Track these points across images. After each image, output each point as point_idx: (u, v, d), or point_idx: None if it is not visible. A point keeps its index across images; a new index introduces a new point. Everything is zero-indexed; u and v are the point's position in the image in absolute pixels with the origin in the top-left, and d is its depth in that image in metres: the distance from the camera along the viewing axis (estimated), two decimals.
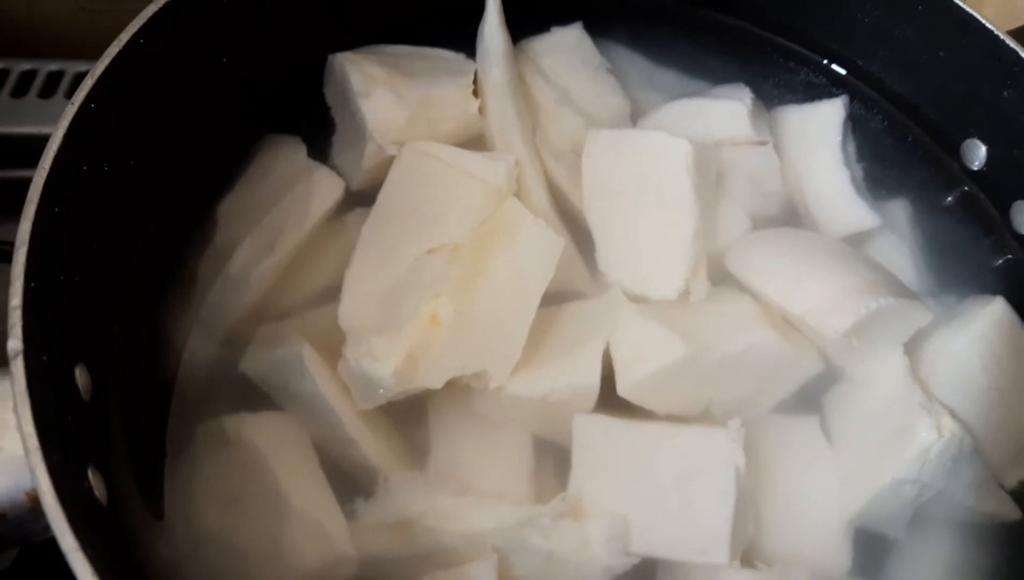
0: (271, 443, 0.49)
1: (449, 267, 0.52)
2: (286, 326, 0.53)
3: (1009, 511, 0.53)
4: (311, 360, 0.50)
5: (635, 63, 0.67)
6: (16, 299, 0.38)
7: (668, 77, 0.67)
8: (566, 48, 0.65)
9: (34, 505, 0.39)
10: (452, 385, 0.50)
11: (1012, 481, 0.54)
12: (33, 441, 0.36)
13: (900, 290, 0.56)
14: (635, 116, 0.64)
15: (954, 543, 0.53)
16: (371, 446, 0.50)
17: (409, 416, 0.52)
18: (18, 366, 0.37)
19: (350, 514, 0.49)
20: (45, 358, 0.39)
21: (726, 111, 0.62)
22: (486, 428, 0.52)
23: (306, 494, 0.48)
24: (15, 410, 0.37)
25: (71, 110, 0.44)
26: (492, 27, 0.61)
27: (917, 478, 0.51)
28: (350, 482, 0.50)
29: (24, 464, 0.37)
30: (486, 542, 0.47)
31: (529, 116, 0.62)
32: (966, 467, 0.52)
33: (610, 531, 0.47)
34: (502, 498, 0.49)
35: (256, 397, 0.51)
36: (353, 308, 0.52)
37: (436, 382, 0.49)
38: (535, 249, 0.53)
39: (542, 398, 0.51)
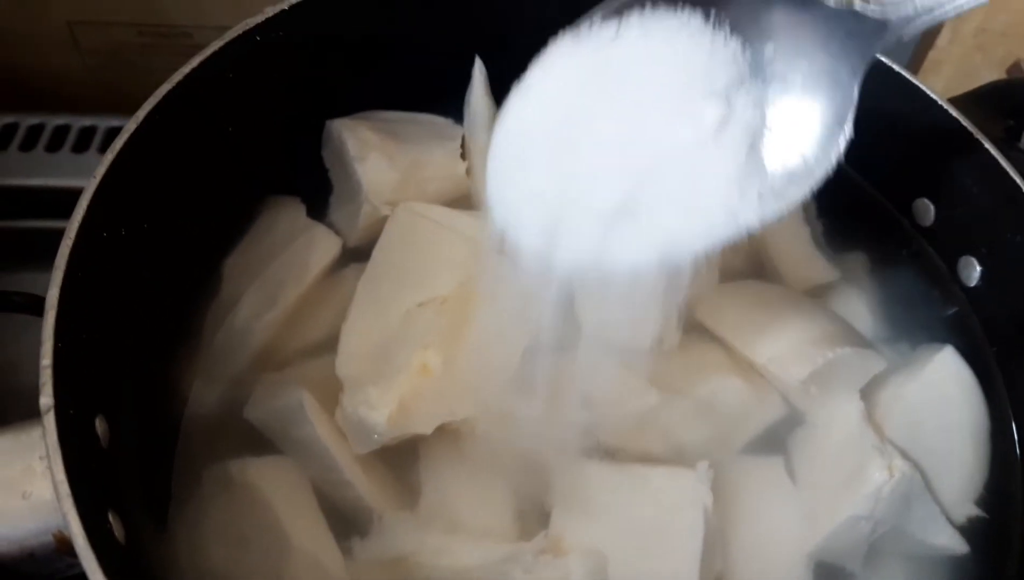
0: (273, 485, 0.53)
1: (438, 319, 0.56)
2: (287, 375, 0.57)
3: (958, 545, 0.56)
4: (311, 408, 0.53)
5: None
6: (47, 359, 0.42)
7: None
8: None
9: (60, 545, 0.42)
10: (441, 430, 0.54)
11: (960, 518, 0.57)
12: (65, 488, 0.39)
13: (857, 340, 0.60)
14: None
15: (907, 576, 0.57)
16: (366, 488, 0.53)
17: (401, 459, 0.55)
18: (50, 420, 0.41)
19: (347, 551, 0.52)
20: (72, 411, 0.43)
21: None
22: (473, 470, 0.55)
23: (305, 533, 0.52)
24: (45, 458, 0.40)
25: (93, 184, 0.48)
26: (478, 95, 0.66)
27: (871, 515, 0.54)
28: (347, 522, 0.53)
29: (51, 507, 0.41)
30: (473, 577, 0.51)
31: None
32: (917, 504, 0.56)
33: (589, 567, 0.51)
34: (488, 536, 0.53)
35: (259, 442, 0.55)
36: (349, 358, 0.55)
37: (427, 428, 0.53)
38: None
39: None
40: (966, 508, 0.58)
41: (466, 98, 0.67)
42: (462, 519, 0.54)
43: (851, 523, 0.54)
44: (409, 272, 0.58)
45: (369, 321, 0.57)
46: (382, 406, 0.52)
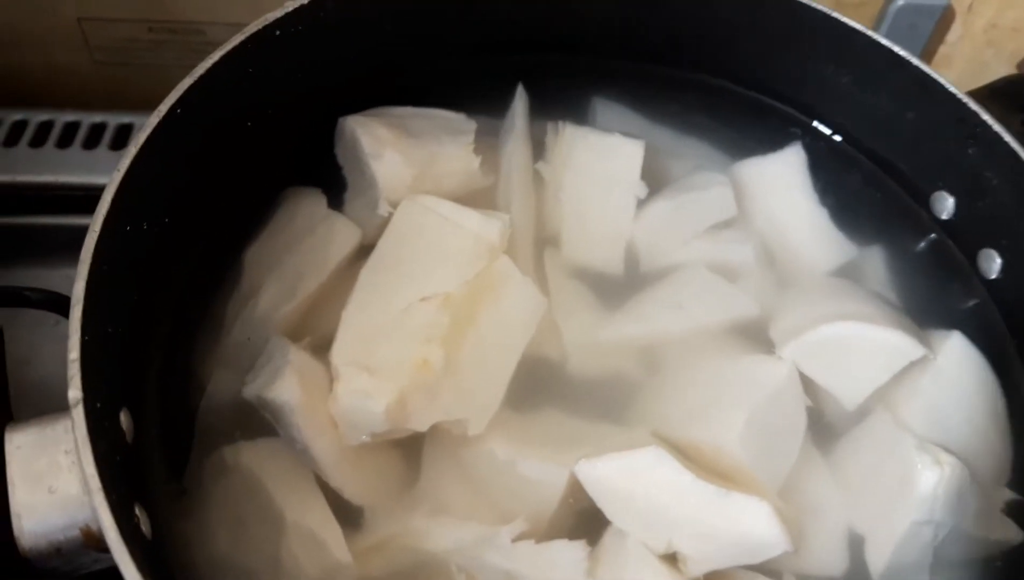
0: (265, 466, 0.52)
1: (440, 315, 0.54)
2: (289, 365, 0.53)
3: (1013, 533, 0.55)
4: (300, 411, 0.51)
5: (630, 121, 0.71)
6: (74, 352, 0.42)
7: (663, 135, 0.71)
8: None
9: (87, 540, 0.42)
10: (437, 427, 0.53)
11: (999, 504, 0.56)
12: (95, 482, 0.39)
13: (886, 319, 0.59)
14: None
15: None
16: (351, 493, 0.52)
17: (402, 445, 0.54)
18: (79, 413, 0.40)
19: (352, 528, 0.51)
20: (98, 405, 0.43)
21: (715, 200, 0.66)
22: (470, 477, 0.54)
23: (300, 509, 0.50)
24: (74, 452, 0.40)
25: (117, 177, 0.48)
26: (518, 114, 0.67)
27: (931, 518, 0.52)
28: (343, 502, 0.52)
29: (78, 502, 0.41)
30: (451, 560, 0.50)
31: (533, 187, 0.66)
32: (970, 498, 0.54)
33: (576, 554, 0.49)
34: (469, 519, 0.51)
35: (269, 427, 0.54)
36: (347, 347, 0.53)
37: (422, 425, 0.52)
38: (521, 306, 0.57)
39: (512, 466, 0.52)
40: (1003, 493, 0.56)
41: (504, 124, 0.67)
42: (451, 504, 0.53)
43: (913, 531, 0.52)
44: (413, 265, 0.57)
45: (370, 311, 0.55)
46: (380, 396, 0.50)
